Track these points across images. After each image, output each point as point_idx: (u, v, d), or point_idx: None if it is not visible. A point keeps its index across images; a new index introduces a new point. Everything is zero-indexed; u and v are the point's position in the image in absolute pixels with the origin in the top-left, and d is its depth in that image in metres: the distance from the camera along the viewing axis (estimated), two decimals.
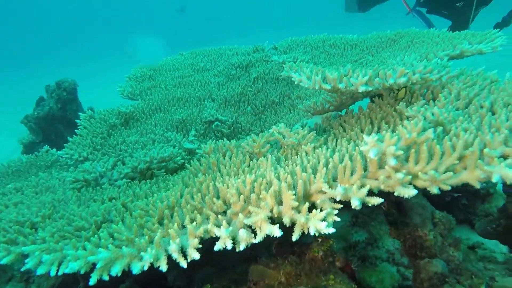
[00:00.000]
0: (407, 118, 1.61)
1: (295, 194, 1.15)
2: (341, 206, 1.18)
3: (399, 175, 1.08)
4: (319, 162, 1.39)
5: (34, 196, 2.01)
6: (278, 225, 1.11)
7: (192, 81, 3.84)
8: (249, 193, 1.28)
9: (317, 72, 1.80)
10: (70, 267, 1.14)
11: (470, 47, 2.23)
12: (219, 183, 1.40)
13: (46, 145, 3.70)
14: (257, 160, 1.73)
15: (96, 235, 1.30)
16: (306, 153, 1.55)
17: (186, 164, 1.81)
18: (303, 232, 1.14)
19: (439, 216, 2.10)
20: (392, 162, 1.09)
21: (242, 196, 1.25)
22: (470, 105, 1.51)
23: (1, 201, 1.92)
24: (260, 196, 1.21)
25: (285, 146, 1.71)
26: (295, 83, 1.88)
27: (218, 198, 1.42)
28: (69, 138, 3.03)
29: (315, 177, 1.23)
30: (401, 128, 1.19)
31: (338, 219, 1.15)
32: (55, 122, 6.26)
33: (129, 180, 1.99)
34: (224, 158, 1.74)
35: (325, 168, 1.23)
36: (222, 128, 3.18)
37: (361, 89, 1.60)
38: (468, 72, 1.95)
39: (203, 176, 1.56)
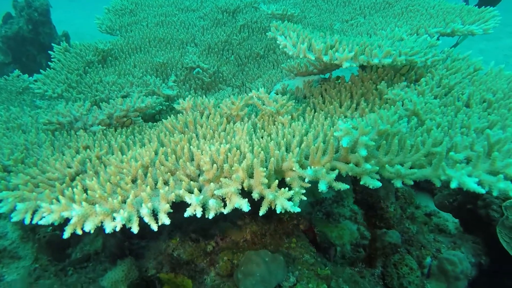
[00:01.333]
0: (386, 100, 1.64)
1: (266, 171, 1.19)
2: (309, 185, 1.24)
3: (367, 166, 1.14)
4: (293, 138, 1.43)
5: (5, 133, 1.98)
6: (246, 199, 1.17)
7: (175, 21, 3.67)
8: (222, 163, 1.31)
9: (304, 40, 1.77)
10: (44, 220, 1.17)
11: (461, 27, 2.22)
12: (194, 147, 1.42)
13: (17, 69, 3.56)
14: (234, 123, 1.75)
15: (69, 188, 1.32)
16: (283, 125, 1.58)
17: (162, 119, 1.80)
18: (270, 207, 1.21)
19: (402, 190, 2.23)
20: (362, 152, 1.13)
21: (215, 165, 1.28)
22: (448, 95, 1.55)
23: None
24: (233, 168, 1.24)
25: (263, 113, 1.73)
26: (280, 47, 1.85)
27: (192, 160, 1.45)
28: (42, 72, 2.92)
29: (287, 156, 1.27)
30: (375, 117, 1.22)
31: (305, 198, 1.21)
32: (26, 44, 5.93)
33: (104, 127, 1.97)
34: (202, 118, 1.75)
35: (297, 148, 1.27)
36: (203, 76, 3.12)
37: (345, 64, 1.60)
38: (454, 56, 1.96)
39: (180, 136, 1.57)
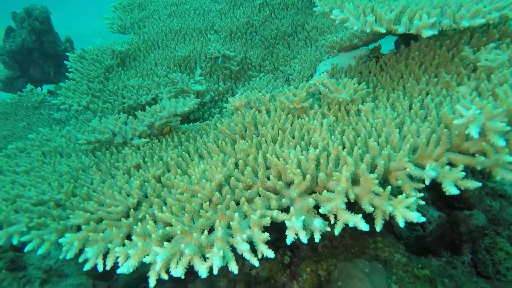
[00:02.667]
0: (479, 68, 1.40)
1: (377, 178, 0.98)
2: (423, 186, 1.03)
3: (507, 158, 0.92)
4: (384, 130, 1.21)
5: (44, 160, 1.80)
6: (361, 215, 0.97)
7: (188, 9, 3.41)
8: (313, 172, 1.11)
9: (365, 11, 1.52)
10: (124, 268, 0.99)
11: None
12: (271, 155, 1.22)
13: (29, 83, 3.38)
14: (298, 118, 1.53)
15: (139, 224, 1.14)
16: (363, 115, 1.36)
17: (217, 123, 1.60)
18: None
19: None
20: (499, 142, 0.91)
21: (308, 176, 1.08)
22: None
23: (9, 168, 1.71)
24: (334, 178, 1.04)
25: (332, 102, 1.50)
26: (336, 22, 1.60)
27: (268, 169, 1.25)
28: (62, 84, 2.72)
29: (394, 155, 1.06)
30: (500, 93, 0.99)
31: (422, 202, 1.01)
32: (32, 55, 5.74)
33: (147, 139, 1.78)
34: (261, 116, 1.53)
35: (408, 145, 1.05)
36: (231, 65, 2.89)
37: (427, 33, 1.36)
38: None
39: (245, 142, 1.37)
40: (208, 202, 1.16)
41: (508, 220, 1.93)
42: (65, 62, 2.90)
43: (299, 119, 1.50)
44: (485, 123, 0.96)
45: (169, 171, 1.47)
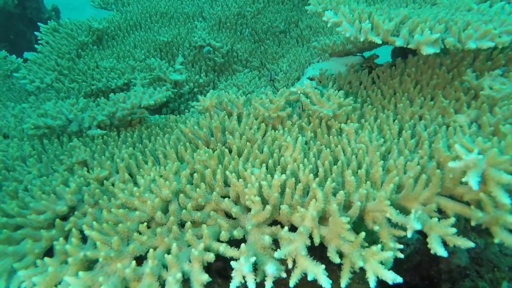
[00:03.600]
0: (481, 97, 1.23)
1: (349, 222, 0.80)
2: (403, 234, 0.86)
3: (508, 218, 0.75)
4: (366, 157, 1.03)
5: None
6: (324, 266, 0.79)
7: None
8: (277, 201, 0.93)
9: (362, 17, 1.34)
10: None
11: None
12: (230, 172, 1.03)
13: (3, 50, 3.10)
14: (273, 128, 1.35)
15: (60, 239, 0.94)
16: (347, 136, 1.17)
17: (180, 124, 1.39)
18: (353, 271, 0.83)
19: None
20: (503, 198, 0.74)
21: (268, 207, 0.90)
22: None
23: None
24: (298, 214, 0.86)
25: (313, 116, 1.32)
26: (328, 25, 1.41)
27: (227, 186, 1.07)
28: (28, 56, 2.48)
29: (374, 192, 0.88)
30: (508, 136, 0.82)
31: (401, 256, 0.84)
32: (13, 20, 5.40)
33: (104, 131, 1.57)
34: (230, 122, 1.34)
35: (391, 185, 0.87)
36: (215, 56, 2.68)
37: (427, 50, 1.18)
38: None
39: (206, 152, 1.17)
40: (146, 223, 0.97)
41: (492, 261, 1.79)
42: (35, 32, 2.65)
43: (274, 130, 1.31)
44: (488, 170, 0.78)
45: (117, 173, 1.27)
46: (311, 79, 1.97)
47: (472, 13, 1.49)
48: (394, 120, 1.24)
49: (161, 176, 1.11)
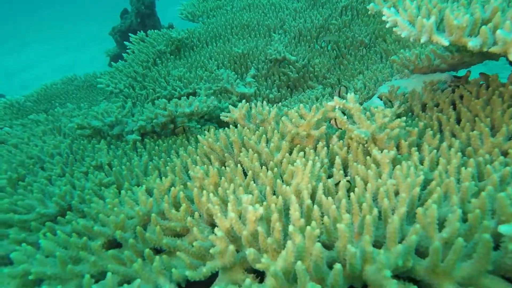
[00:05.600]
0: None
1: None
2: None
3: None
4: (393, 208, 0.72)
5: (35, 137, 1.66)
6: None
7: (264, 4, 3.10)
8: (251, 241, 0.69)
9: (429, 12, 1.02)
10: None
11: None
12: (215, 204, 0.82)
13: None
14: (301, 150, 1.09)
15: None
16: (379, 167, 0.87)
17: (199, 136, 1.24)
18: None
19: None
20: None
21: (231, 248, 0.67)
22: None
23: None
24: (259, 266, 0.61)
25: (351, 136, 1.04)
26: (387, 25, 1.12)
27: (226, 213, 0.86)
28: (113, 64, 2.64)
29: (376, 253, 0.58)
30: None
31: None
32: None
33: (138, 137, 1.51)
34: (252, 137, 1.13)
35: (402, 246, 0.57)
36: (289, 71, 2.50)
37: None
38: None
39: (201, 168, 0.99)
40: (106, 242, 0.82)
41: None
42: (124, 42, 2.83)
43: (301, 152, 1.06)
44: None
45: (112, 184, 1.16)
46: (380, 98, 1.65)
47: None
48: (458, 154, 0.89)
49: (125, 202, 0.96)
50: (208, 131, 1.24)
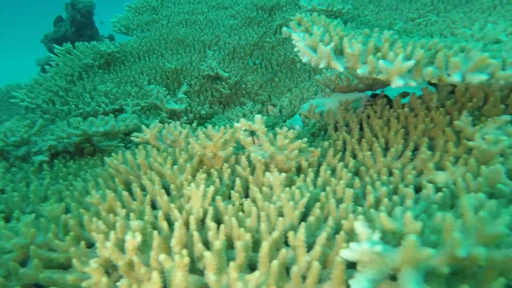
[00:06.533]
0: (471, 150, 0.88)
1: None
2: None
3: None
4: (268, 227, 0.73)
5: None
6: None
7: (201, 20, 3.11)
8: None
9: (332, 38, 1.06)
10: None
11: None
12: (98, 236, 0.78)
13: None
14: (206, 172, 1.09)
15: None
16: (270, 190, 0.88)
17: (106, 158, 1.19)
18: None
19: None
20: None
21: None
22: None
23: None
24: None
25: (254, 158, 1.04)
26: (295, 49, 1.15)
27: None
28: (34, 76, 2.50)
29: None
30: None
31: None
32: None
33: (45, 158, 1.42)
34: (157, 158, 1.10)
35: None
36: (222, 87, 2.50)
37: (397, 82, 0.87)
38: None
39: (99, 194, 0.94)
40: None
41: None
42: (48, 53, 2.70)
43: (206, 174, 1.05)
44: (400, 269, 0.46)
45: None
46: (300, 116, 1.69)
47: (483, 43, 1.14)
48: (353, 173, 0.93)
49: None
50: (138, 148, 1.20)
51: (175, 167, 1.02)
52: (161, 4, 3.35)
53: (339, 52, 1.07)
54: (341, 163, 0.97)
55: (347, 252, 0.47)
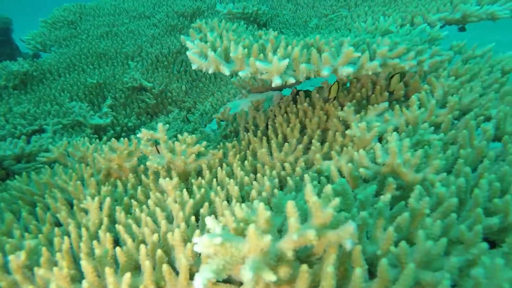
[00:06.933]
0: (352, 139, 0.96)
1: None
2: None
3: None
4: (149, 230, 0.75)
5: None
6: None
7: (123, 32, 3.05)
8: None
9: (219, 44, 1.10)
10: None
11: (477, 9, 1.53)
12: None
13: None
14: (113, 183, 1.08)
15: None
16: (162, 195, 0.90)
17: (8, 182, 1.15)
18: None
19: None
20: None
21: None
22: (460, 130, 0.86)
23: None
24: None
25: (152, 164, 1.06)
26: (188, 56, 1.18)
27: None
28: None
29: None
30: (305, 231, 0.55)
31: None
32: None
33: None
34: (63, 175, 1.08)
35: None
36: (147, 97, 2.48)
37: (276, 81, 0.92)
38: (468, 53, 1.27)
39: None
40: None
41: None
42: None
43: (112, 186, 1.05)
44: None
45: None
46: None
47: (373, 35, 1.24)
48: (246, 172, 0.97)
49: None
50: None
51: (78, 182, 1.01)
52: (80, 18, 3.24)
53: (225, 56, 1.11)
54: (238, 162, 1.01)
55: (195, 246, 0.51)
